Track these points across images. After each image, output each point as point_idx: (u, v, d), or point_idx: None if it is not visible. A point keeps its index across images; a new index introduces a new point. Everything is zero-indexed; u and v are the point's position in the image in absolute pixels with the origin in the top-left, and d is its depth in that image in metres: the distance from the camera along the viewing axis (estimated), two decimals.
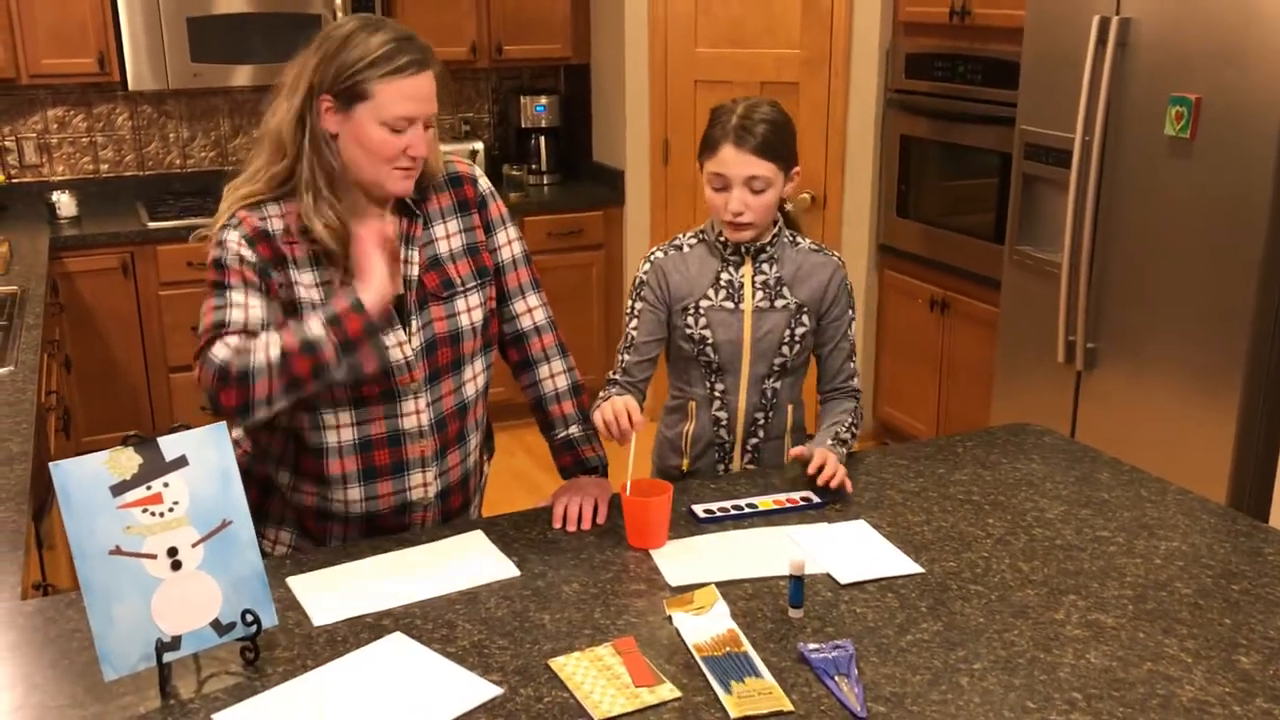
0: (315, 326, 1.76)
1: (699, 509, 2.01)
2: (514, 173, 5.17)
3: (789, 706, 1.46)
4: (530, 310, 2.08)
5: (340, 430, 1.91)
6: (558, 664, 1.54)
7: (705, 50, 4.65)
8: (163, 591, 1.50)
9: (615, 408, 1.95)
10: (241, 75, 4.52)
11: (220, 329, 1.80)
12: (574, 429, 2.09)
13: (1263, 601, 1.71)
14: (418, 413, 1.93)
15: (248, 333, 1.80)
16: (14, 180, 4.65)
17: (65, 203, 4.44)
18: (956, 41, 4.03)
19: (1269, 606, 1.70)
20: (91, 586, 1.45)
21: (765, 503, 2.04)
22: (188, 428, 1.54)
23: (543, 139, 5.17)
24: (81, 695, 1.48)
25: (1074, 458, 2.24)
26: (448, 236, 1.97)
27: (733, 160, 2.11)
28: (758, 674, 1.52)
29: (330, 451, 1.92)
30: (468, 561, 1.83)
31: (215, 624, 1.54)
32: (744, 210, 2.12)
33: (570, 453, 2.09)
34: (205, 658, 1.56)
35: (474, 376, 2.00)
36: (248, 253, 1.84)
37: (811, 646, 1.57)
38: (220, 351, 1.77)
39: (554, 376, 2.10)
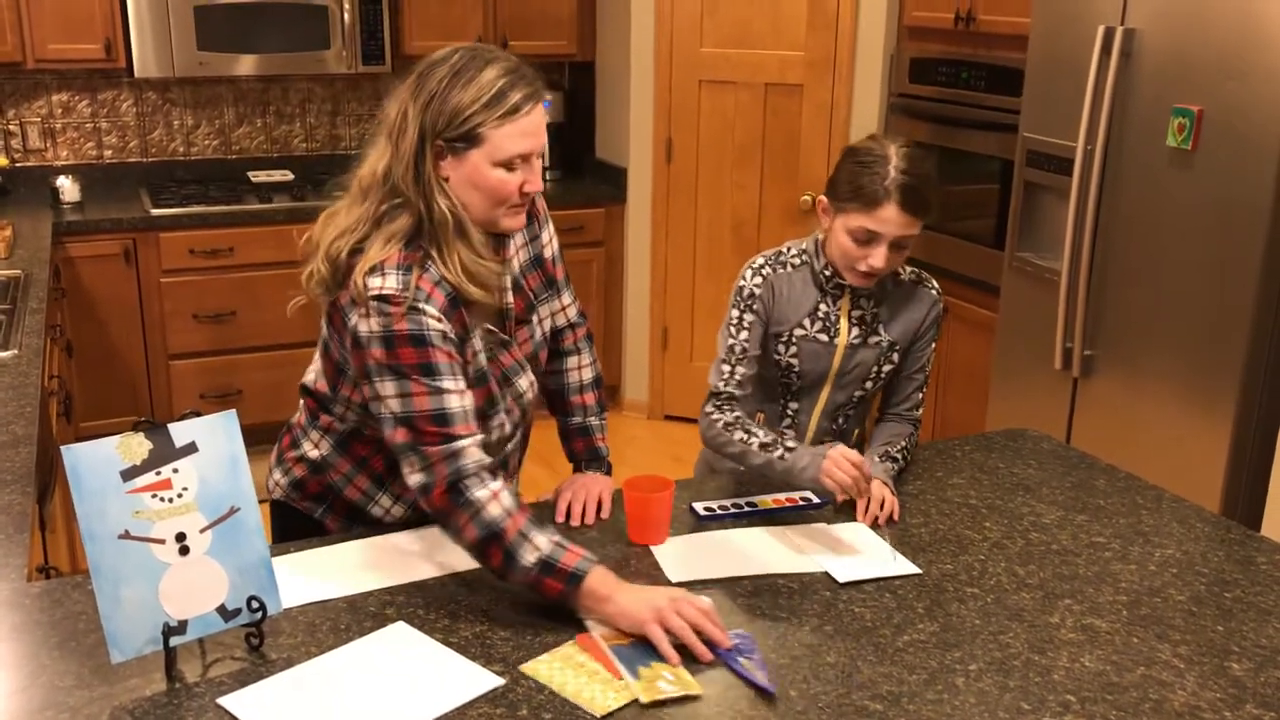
0: (530, 554, 1.64)
1: (700, 506, 2.03)
2: None
3: (698, 689, 1.49)
4: (565, 308, 2.06)
5: None
6: (531, 669, 1.54)
7: (710, 50, 4.67)
8: (170, 576, 1.51)
9: (840, 459, 1.89)
10: (247, 65, 4.53)
11: (446, 425, 1.69)
12: (592, 419, 2.11)
13: (1255, 609, 1.74)
14: (502, 425, 1.92)
15: (475, 434, 1.71)
16: (18, 164, 4.65)
17: (68, 188, 4.45)
18: (961, 47, 4.05)
19: (1261, 614, 1.72)
20: (100, 570, 1.47)
21: (765, 501, 2.05)
22: (199, 415, 1.55)
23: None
24: (88, 677, 1.50)
25: (1070, 464, 2.26)
26: (516, 251, 1.93)
27: (894, 221, 2.00)
28: (665, 660, 1.55)
29: None
30: (435, 548, 1.84)
31: (221, 609, 1.55)
32: (885, 266, 2.05)
33: (585, 439, 2.11)
34: (210, 642, 1.58)
35: (534, 382, 1.99)
36: (448, 328, 1.72)
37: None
38: (480, 493, 1.68)
39: (581, 368, 2.11)
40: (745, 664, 1.54)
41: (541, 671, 1.54)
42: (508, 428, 1.91)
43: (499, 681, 1.51)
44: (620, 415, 5.16)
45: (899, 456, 2.14)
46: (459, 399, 1.71)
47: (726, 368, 2.14)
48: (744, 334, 2.14)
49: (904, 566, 1.82)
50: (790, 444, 2.03)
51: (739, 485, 2.14)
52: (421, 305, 1.70)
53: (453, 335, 1.74)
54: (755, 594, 1.75)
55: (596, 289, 5.00)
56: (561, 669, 1.54)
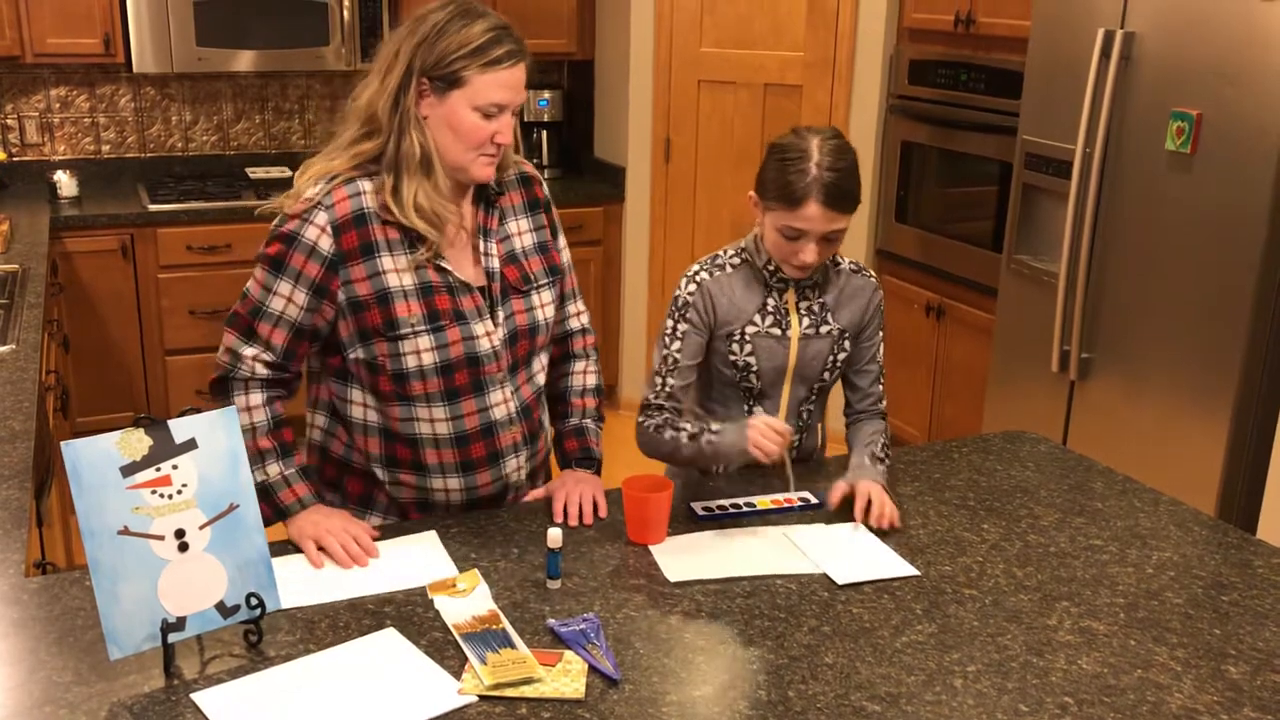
0: (256, 475, 1.82)
1: (698, 506, 2.03)
2: None
3: (540, 675, 1.50)
4: (578, 314, 2.17)
5: (435, 424, 1.94)
6: (485, 689, 1.50)
7: (710, 50, 4.67)
8: (169, 572, 1.51)
9: (764, 429, 1.94)
10: (245, 60, 4.53)
11: (255, 318, 1.88)
12: (589, 421, 2.14)
13: (1251, 613, 1.74)
14: (505, 402, 1.98)
15: (272, 345, 1.89)
16: (15, 159, 4.65)
17: (66, 182, 4.44)
18: (960, 49, 4.06)
19: (1257, 618, 1.73)
20: (99, 566, 1.46)
21: (764, 502, 2.06)
22: (198, 411, 1.55)
23: (545, 133, 5.18)
24: (86, 673, 1.50)
25: (1068, 467, 2.27)
26: (520, 234, 2.02)
27: (818, 218, 1.99)
28: (513, 646, 1.56)
29: (425, 443, 1.95)
30: (415, 562, 1.82)
31: (220, 606, 1.55)
32: (817, 259, 2.05)
33: (580, 439, 2.12)
34: (209, 639, 1.58)
35: (541, 368, 2.05)
36: (326, 244, 1.84)
37: (560, 621, 1.63)
38: (238, 399, 1.89)
39: (585, 373, 2.17)
40: (591, 650, 1.56)
41: (496, 679, 1.50)
42: (431, 358, 1.89)
43: (470, 699, 1.47)
44: (617, 414, 5.16)
45: (884, 455, 2.14)
46: (282, 303, 1.87)
47: (658, 379, 2.14)
48: (676, 344, 2.13)
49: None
50: (715, 426, 2.05)
51: (736, 486, 2.14)
52: (316, 213, 1.84)
53: (330, 253, 1.84)
54: (753, 594, 1.75)
55: (594, 288, 5.00)
56: (509, 668, 1.52)
